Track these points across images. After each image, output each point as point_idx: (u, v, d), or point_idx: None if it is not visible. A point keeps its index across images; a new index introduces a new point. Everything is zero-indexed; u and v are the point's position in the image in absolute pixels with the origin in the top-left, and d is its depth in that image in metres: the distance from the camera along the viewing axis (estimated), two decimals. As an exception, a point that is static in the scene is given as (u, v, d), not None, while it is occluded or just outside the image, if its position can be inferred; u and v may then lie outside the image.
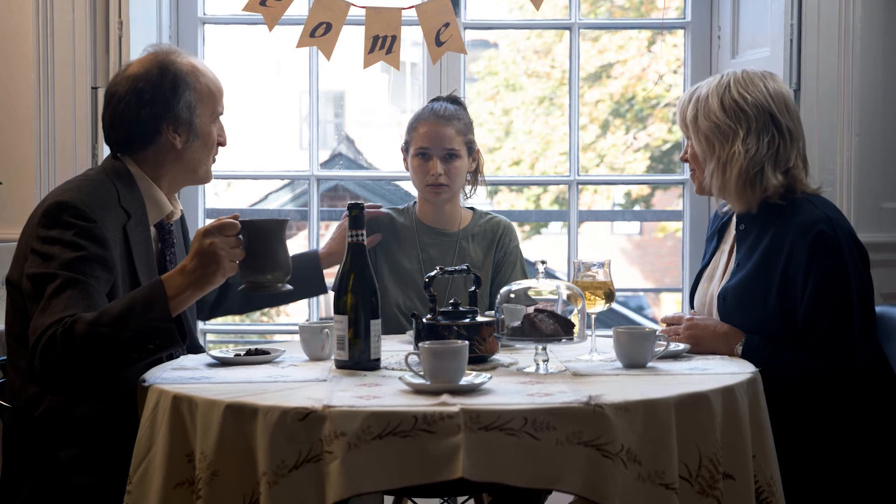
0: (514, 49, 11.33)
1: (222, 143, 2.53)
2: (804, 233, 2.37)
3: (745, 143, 2.44)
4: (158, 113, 2.38)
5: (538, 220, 11.73)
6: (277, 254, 2.22)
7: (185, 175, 2.48)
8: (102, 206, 2.28)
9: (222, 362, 2.31)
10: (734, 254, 2.56)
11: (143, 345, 2.10)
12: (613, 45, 10.61)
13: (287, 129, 9.85)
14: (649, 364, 2.23)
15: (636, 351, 2.21)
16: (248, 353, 2.37)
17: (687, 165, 3.70)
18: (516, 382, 2.05)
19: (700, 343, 2.41)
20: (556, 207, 10.97)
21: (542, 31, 10.38)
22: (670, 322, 2.49)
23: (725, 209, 2.63)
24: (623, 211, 11.71)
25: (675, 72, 10.35)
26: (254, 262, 2.20)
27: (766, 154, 2.44)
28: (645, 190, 11.32)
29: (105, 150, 3.30)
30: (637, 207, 11.64)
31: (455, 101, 3.04)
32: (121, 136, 2.41)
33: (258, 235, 2.20)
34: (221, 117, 2.53)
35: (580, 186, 3.77)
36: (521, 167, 10.83)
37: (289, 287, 2.26)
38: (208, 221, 3.90)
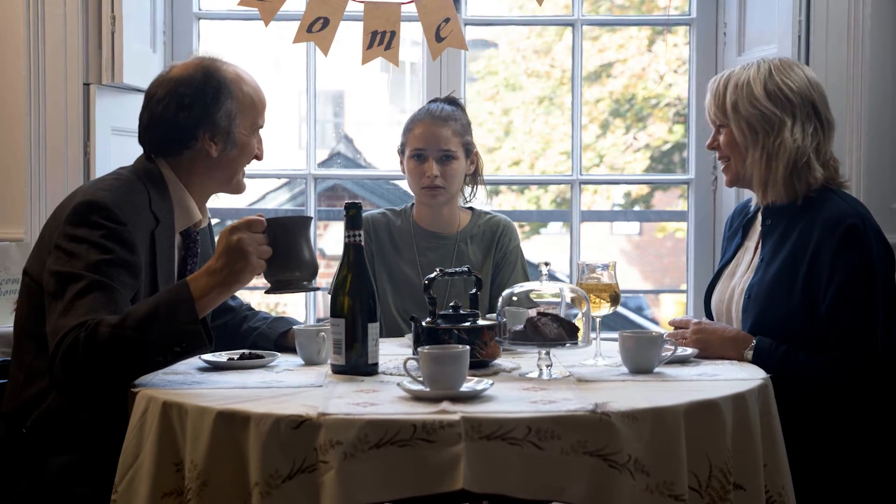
0: (513, 49, 11.28)
1: (259, 157, 2.47)
2: (834, 227, 2.32)
3: (792, 132, 2.39)
4: (197, 119, 2.33)
5: (539, 220, 11.68)
6: (303, 251, 2.17)
7: (218, 184, 2.43)
8: (133, 209, 2.22)
9: (214, 366, 2.26)
10: (759, 250, 2.49)
11: (169, 347, 2.04)
12: (613, 44, 10.56)
13: (287, 129, 9.80)
14: (656, 369, 2.17)
15: (643, 356, 2.15)
16: (242, 356, 2.32)
17: (693, 165, 3.67)
18: (519, 389, 1.99)
19: (708, 348, 2.35)
20: (554, 207, 10.92)
21: (542, 31, 10.33)
22: (678, 325, 2.43)
23: (753, 204, 2.56)
24: (626, 211, 11.66)
25: (675, 71, 10.30)
26: (281, 260, 2.14)
27: (811, 145, 2.39)
28: (644, 190, 11.27)
29: (97, 149, 3.26)
30: (637, 208, 11.60)
31: (453, 101, 2.98)
32: (155, 138, 2.36)
33: (285, 232, 2.14)
34: (262, 130, 2.47)
35: (581, 186, 3.71)
36: (521, 167, 10.78)
37: (315, 285, 2.22)
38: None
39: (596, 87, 10.47)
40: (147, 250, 2.24)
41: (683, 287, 3.89)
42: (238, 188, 2.46)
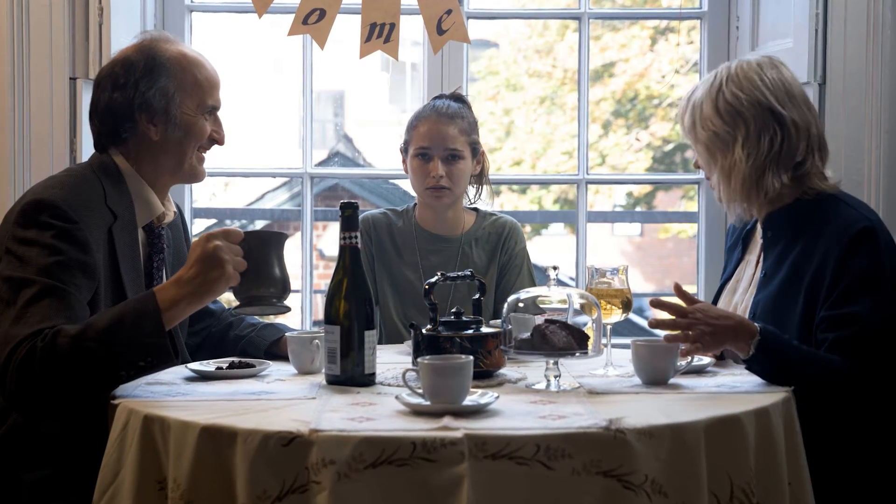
0: (515, 48, 11.22)
1: (218, 141, 2.34)
2: (843, 233, 2.19)
3: (744, 147, 2.26)
4: (129, 98, 2.22)
5: (543, 221, 11.59)
6: (277, 268, 2.07)
7: (170, 171, 2.30)
8: (86, 205, 2.11)
9: (202, 376, 2.14)
10: (760, 264, 2.37)
11: (133, 361, 1.93)
12: (616, 43, 10.47)
13: (288, 128, 9.75)
14: (671, 381, 2.05)
15: (658, 367, 2.03)
16: (231, 365, 2.21)
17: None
18: (526, 402, 1.87)
19: (713, 343, 2.14)
20: (556, 208, 10.85)
21: (544, 31, 10.23)
22: (664, 307, 2.17)
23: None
24: (632, 212, 11.56)
25: (677, 71, 10.21)
26: (254, 275, 2.02)
27: (768, 155, 2.26)
28: (646, 190, 11.18)
29: (84, 146, 3.14)
30: (639, 208, 11.51)
31: (459, 98, 2.87)
32: (98, 124, 2.27)
33: (261, 246, 2.04)
34: (220, 114, 2.35)
35: (587, 186, 3.58)
36: (523, 167, 10.70)
37: (286, 305, 2.10)
38: (196, 222, 3.72)
39: (598, 87, 10.38)
40: (105, 248, 2.13)
41: (691, 290, 3.78)
42: (194, 175, 2.33)
